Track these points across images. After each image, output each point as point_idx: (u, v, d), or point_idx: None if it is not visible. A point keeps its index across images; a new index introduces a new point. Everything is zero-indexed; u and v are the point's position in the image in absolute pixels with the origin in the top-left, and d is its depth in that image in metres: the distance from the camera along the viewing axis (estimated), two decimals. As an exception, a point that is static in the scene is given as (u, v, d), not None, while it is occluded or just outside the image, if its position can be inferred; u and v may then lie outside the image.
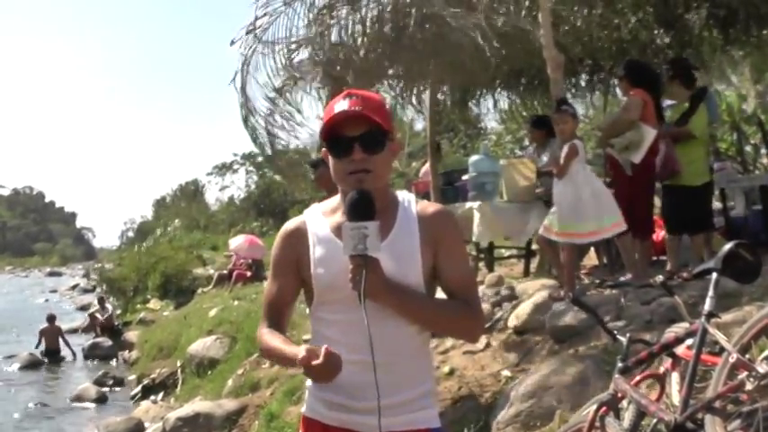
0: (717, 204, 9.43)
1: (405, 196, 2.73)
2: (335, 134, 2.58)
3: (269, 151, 10.49)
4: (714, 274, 3.86)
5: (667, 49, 11.84)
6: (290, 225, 2.79)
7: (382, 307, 2.50)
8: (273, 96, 9.92)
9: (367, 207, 2.46)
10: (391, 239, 2.57)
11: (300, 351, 2.40)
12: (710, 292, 3.81)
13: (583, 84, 13.46)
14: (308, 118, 10.22)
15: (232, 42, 9.50)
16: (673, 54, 11.31)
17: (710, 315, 3.74)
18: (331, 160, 2.62)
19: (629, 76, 7.98)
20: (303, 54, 9.54)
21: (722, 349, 3.75)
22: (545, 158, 9.73)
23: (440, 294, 2.73)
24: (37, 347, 20.46)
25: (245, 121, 10.01)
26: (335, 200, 2.73)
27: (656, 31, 11.94)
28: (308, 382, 2.74)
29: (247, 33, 9.43)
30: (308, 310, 2.76)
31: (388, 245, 2.53)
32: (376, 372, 2.44)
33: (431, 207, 2.72)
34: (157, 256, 27.09)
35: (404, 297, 2.54)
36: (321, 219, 2.71)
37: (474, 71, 9.83)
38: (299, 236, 2.71)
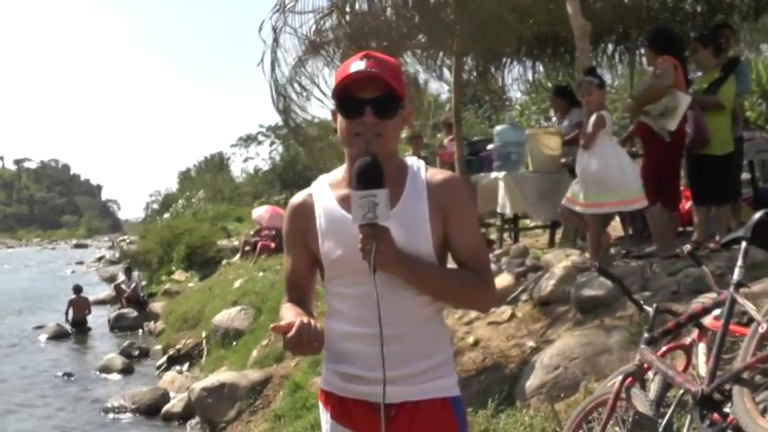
0: (745, 175, 9.30)
1: (414, 162, 2.65)
2: (348, 94, 2.49)
3: (295, 125, 10.42)
4: (743, 244, 3.79)
5: (697, 17, 11.66)
6: (296, 199, 2.71)
7: (393, 277, 2.44)
8: (301, 70, 9.85)
9: (376, 174, 2.35)
10: (400, 207, 2.49)
11: (286, 322, 2.40)
12: (739, 262, 3.75)
13: (609, 53, 13.27)
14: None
15: (260, 29, 9.47)
16: (702, 21, 11.14)
17: (739, 285, 3.68)
18: (339, 120, 2.53)
19: (653, 44, 7.87)
20: (329, 25, 9.46)
21: (751, 320, 3.68)
22: (565, 124, 9.66)
23: (450, 264, 2.66)
24: (66, 318, 20.65)
25: (276, 103, 9.93)
26: (342, 170, 2.66)
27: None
28: (325, 356, 2.71)
29: (276, 12, 9.36)
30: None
31: (397, 213, 2.44)
32: (383, 344, 2.39)
33: (440, 174, 2.62)
34: (181, 228, 27.23)
35: (414, 267, 2.47)
36: (327, 191, 2.64)
37: (499, 40, 9.72)
38: (306, 210, 2.64)
